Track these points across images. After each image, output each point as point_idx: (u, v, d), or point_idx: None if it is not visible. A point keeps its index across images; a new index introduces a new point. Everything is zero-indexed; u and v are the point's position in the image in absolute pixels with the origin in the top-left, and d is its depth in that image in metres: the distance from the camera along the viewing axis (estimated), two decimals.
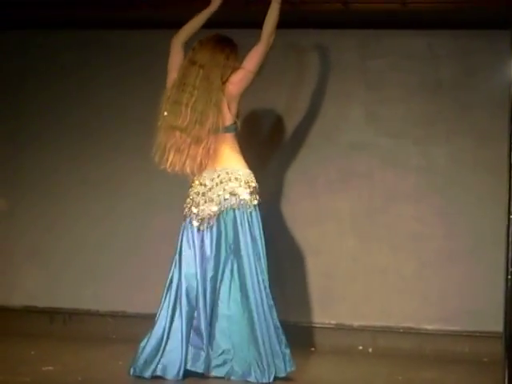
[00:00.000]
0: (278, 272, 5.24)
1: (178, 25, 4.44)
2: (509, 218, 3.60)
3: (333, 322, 5.22)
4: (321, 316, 5.22)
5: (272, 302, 4.23)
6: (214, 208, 4.25)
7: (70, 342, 5.18)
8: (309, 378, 4.49)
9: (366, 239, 5.21)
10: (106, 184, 5.47)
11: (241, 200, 4.25)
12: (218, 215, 4.26)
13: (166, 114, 4.25)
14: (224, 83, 4.24)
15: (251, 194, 4.27)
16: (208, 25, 4.41)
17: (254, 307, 4.19)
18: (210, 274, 4.24)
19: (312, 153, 5.25)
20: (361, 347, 5.18)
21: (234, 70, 4.26)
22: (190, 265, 4.26)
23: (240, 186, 4.26)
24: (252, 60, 4.26)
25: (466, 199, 5.12)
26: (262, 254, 4.26)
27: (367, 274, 5.20)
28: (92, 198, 5.47)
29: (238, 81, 4.26)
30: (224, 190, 4.26)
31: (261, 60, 4.27)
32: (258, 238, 4.26)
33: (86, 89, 5.48)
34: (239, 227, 4.24)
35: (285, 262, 5.24)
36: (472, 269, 5.08)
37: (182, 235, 4.31)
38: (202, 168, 4.25)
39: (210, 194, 4.27)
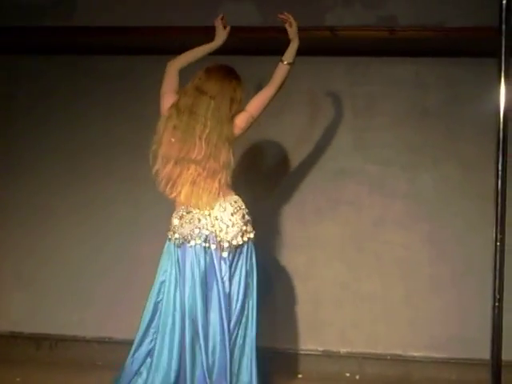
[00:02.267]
0: (266, 298, 5.23)
1: (162, 51, 4.48)
2: (496, 245, 3.58)
3: (320, 348, 5.21)
4: (308, 343, 5.20)
5: None
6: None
7: (57, 368, 5.16)
8: None
9: (353, 266, 5.21)
10: (92, 206, 5.44)
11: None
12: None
13: (173, 140, 4.10)
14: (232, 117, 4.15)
15: None
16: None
17: None
18: None
19: (300, 179, 5.26)
20: (348, 374, 5.16)
21: (239, 106, 4.16)
22: None
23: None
24: (257, 105, 4.19)
25: (454, 226, 5.13)
26: None
27: (355, 300, 5.20)
28: (76, 221, 5.45)
29: (242, 125, 4.16)
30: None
31: (265, 106, 4.22)
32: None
33: (75, 117, 5.46)
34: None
35: (272, 289, 5.23)
36: (460, 296, 5.09)
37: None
38: (215, 201, 4.14)
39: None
